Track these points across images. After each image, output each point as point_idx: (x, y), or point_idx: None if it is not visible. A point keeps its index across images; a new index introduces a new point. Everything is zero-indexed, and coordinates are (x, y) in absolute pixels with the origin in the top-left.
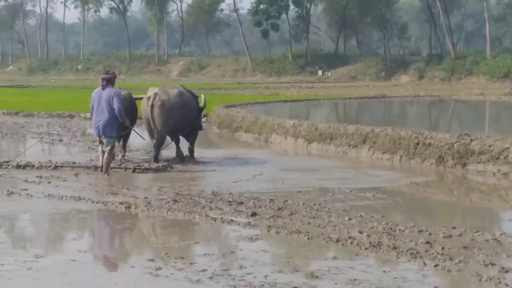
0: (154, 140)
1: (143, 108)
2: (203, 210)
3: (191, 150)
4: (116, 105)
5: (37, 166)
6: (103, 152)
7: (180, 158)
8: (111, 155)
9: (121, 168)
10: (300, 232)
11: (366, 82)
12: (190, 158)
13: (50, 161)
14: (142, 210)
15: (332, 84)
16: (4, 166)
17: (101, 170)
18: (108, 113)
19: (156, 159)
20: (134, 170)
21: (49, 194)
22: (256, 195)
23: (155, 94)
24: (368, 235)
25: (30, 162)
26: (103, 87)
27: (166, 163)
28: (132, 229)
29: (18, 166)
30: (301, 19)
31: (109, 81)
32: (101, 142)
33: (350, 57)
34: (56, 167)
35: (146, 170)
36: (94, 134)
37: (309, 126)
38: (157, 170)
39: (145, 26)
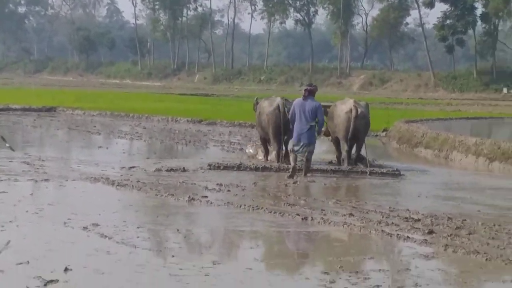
0: (345, 149)
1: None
2: (379, 226)
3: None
4: (319, 117)
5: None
6: (295, 157)
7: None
8: (311, 160)
9: (358, 171)
10: (478, 253)
11: None
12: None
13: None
14: (318, 222)
15: None
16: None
17: (303, 174)
18: (313, 122)
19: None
20: (370, 174)
21: (228, 202)
22: (434, 213)
23: (356, 107)
24: None
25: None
26: (305, 98)
27: (395, 169)
28: (308, 241)
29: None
30: (488, 35)
31: (311, 93)
32: (294, 150)
33: None
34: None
35: (379, 174)
36: (294, 140)
37: (491, 144)
38: (385, 174)
39: (329, 39)
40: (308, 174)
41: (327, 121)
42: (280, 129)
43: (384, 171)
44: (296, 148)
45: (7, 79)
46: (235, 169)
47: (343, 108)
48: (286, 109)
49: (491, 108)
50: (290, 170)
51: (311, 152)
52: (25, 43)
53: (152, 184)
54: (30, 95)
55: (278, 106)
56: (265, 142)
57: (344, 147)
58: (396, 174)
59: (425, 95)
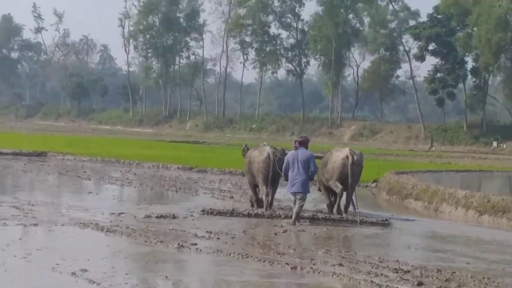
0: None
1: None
2: (368, 276)
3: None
4: (312, 167)
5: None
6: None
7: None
8: (301, 208)
9: (348, 220)
10: None
11: None
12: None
13: None
14: (308, 271)
15: (507, 157)
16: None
17: (292, 222)
18: (304, 173)
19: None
20: (361, 223)
21: (217, 250)
22: (423, 264)
23: (352, 154)
24: None
25: None
26: (296, 148)
27: (385, 219)
28: None
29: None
30: (478, 89)
31: (302, 144)
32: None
33: None
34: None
35: (369, 223)
36: (288, 190)
37: (481, 197)
38: (374, 223)
39: (320, 89)
40: (298, 223)
41: (319, 170)
42: (269, 177)
43: (374, 221)
44: (292, 196)
45: None
46: (228, 215)
47: (339, 155)
48: (276, 158)
49: (480, 161)
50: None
51: (302, 201)
52: (18, 88)
53: (142, 230)
54: (21, 140)
55: (269, 155)
56: (255, 188)
57: (337, 186)
58: (385, 224)
59: (416, 147)
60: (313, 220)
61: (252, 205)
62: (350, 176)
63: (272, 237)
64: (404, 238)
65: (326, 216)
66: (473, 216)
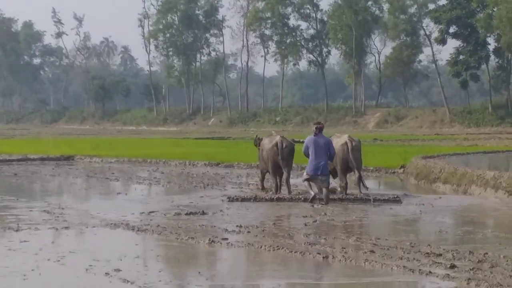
0: (344, 181)
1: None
2: (400, 261)
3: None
4: (331, 151)
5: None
6: (321, 188)
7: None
8: (329, 189)
9: (362, 199)
10: (502, 286)
11: None
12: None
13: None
14: (339, 260)
15: None
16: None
17: (325, 203)
18: (326, 156)
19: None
20: (374, 201)
21: (248, 244)
22: (455, 247)
23: (351, 141)
24: None
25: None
26: (316, 135)
27: (396, 196)
28: (330, 279)
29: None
30: (501, 69)
31: (320, 130)
32: (312, 180)
33: None
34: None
35: (381, 201)
36: (310, 173)
37: (510, 177)
38: (386, 200)
39: (342, 78)
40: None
41: None
42: (277, 164)
43: (386, 198)
44: (312, 178)
45: (24, 130)
46: (252, 200)
47: (338, 141)
48: (283, 146)
49: (507, 141)
50: (311, 197)
51: (328, 182)
52: (41, 94)
53: (172, 228)
54: (47, 145)
55: (277, 144)
56: (263, 174)
57: (342, 178)
58: (396, 200)
59: (441, 131)
60: (332, 200)
61: (262, 190)
62: (353, 160)
63: (302, 227)
64: (435, 221)
65: (342, 196)
66: (503, 196)
